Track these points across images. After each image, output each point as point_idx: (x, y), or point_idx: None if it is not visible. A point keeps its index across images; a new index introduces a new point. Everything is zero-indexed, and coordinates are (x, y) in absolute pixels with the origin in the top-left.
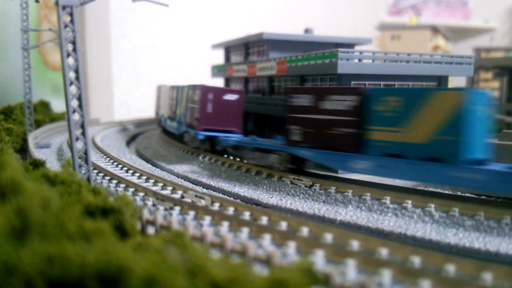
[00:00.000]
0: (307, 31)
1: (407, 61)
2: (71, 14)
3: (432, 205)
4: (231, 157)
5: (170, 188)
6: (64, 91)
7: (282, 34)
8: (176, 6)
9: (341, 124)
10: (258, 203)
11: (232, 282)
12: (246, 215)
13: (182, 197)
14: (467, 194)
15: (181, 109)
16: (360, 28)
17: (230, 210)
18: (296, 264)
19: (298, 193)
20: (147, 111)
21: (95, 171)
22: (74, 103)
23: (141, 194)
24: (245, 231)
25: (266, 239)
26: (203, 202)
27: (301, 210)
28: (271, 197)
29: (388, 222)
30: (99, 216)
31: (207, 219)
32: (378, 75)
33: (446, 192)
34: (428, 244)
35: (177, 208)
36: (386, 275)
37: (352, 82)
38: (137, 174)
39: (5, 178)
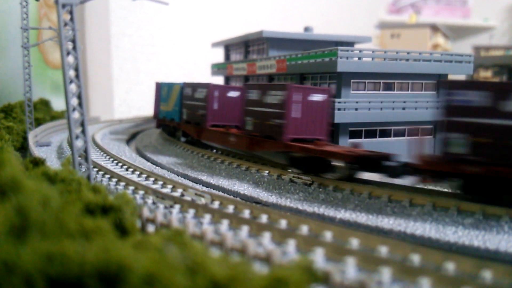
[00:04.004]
0: (307, 29)
1: (407, 60)
2: (71, 13)
3: (432, 203)
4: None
5: (170, 186)
6: (64, 90)
7: (282, 32)
8: (176, 4)
9: None
10: (257, 201)
11: (232, 280)
12: (246, 213)
13: (182, 195)
14: None
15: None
16: (360, 26)
17: (230, 208)
18: (295, 262)
19: (297, 191)
20: (147, 109)
21: (95, 169)
22: (74, 101)
23: (141, 192)
24: (245, 229)
25: (266, 237)
26: (203, 200)
27: (300, 208)
28: (271, 195)
29: (388, 220)
30: (99, 214)
31: (207, 217)
32: (377, 73)
33: (446, 190)
34: (427, 242)
35: (177, 206)
36: (386, 273)
37: (352, 80)
38: (137, 172)
39: (5, 176)
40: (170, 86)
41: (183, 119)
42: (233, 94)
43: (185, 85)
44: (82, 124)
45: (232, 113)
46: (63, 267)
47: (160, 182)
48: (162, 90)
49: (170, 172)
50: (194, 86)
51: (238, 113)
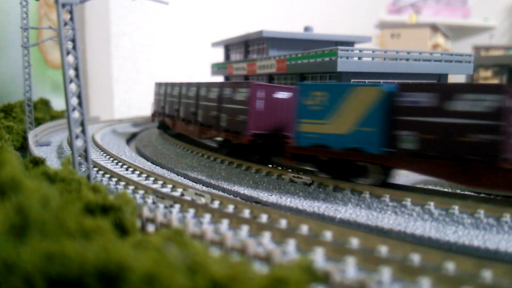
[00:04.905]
0: (307, 29)
1: (407, 59)
2: (71, 12)
3: (432, 203)
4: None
5: (170, 186)
6: (64, 89)
7: (282, 32)
8: (176, 4)
9: None
10: (258, 201)
11: (232, 279)
12: (246, 213)
13: (182, 195)
14: (466, 192)
15: None
16: (360, 26)
17: (230, 208)
18: (295, 261)
19: (297, 191)
20: (147, 109)
21: (95, 169)
22: (74, 101)
23: (141, 192)
24: (245, 229)
25: (266, 237)
26: (203, 200)
27: (300, 208)
28: (271, 195)
29: (388, 220)
30: (99, 213)
31: (207, 217)
32: (377, 73)
33: (446, 190)
34: (427, 242)
35: (177, 206)
36: (386, 273)
37: (352, 80)
38: (137, 172)
39: (5, 176)
40: (338, 89)
41: (398, 149)
42: None
43: (404, 89)
44: (82, 124)
45: None
46: (63, 267)
47: (160, 182)
48: (307, 97)
49: (170, 171)
50: (447, 90)
51: None
